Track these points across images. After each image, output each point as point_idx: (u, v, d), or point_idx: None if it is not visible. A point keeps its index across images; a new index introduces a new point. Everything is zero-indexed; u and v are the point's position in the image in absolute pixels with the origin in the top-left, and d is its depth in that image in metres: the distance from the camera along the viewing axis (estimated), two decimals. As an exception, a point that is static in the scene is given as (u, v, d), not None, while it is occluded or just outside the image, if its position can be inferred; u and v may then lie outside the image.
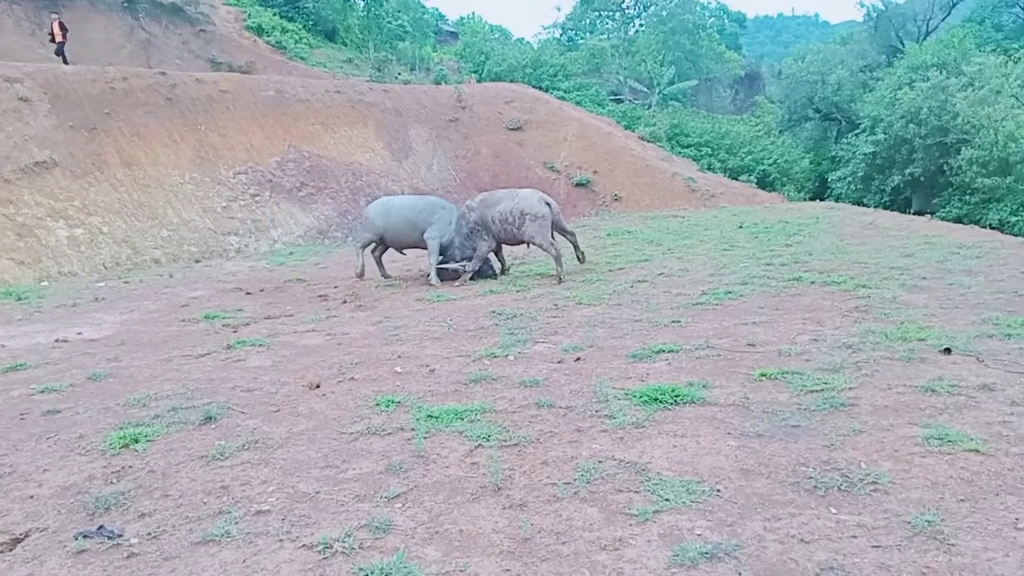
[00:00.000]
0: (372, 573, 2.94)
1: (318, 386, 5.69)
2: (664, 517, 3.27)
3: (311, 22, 33.50)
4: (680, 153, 26.13)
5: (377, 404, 5.05)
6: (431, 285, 10.23)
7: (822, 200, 25.99)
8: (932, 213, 22.62)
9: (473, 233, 10.46)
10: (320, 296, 10.10)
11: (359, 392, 5.43)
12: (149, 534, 3.40)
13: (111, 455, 4.34)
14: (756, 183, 25.68)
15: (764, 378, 5.03)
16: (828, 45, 36.76)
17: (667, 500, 3.41)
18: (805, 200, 26.27)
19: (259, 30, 30.65)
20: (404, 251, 11.66)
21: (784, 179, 28.98)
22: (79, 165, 15.18)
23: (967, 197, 23.73)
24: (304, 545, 3.21)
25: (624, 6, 39.70)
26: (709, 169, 25.32)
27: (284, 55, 30.00)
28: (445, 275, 10.48)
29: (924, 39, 34.48)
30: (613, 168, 22.53)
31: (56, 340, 7.82)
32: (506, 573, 2.94)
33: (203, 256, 15.04)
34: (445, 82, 29.87)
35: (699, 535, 3.12)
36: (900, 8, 36.95)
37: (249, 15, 31.32)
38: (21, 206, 13.92)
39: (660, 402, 4.64)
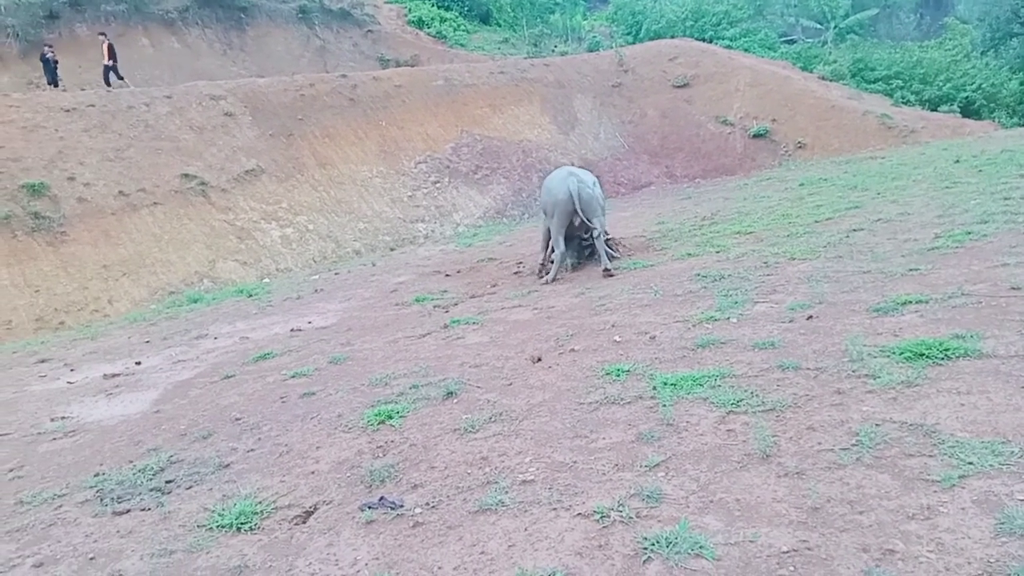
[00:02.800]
0: (657, 543, 2.89)
1: (540, 359, 5.75)
2: (973, 482, 2.94)
3: (466, 8, 34.18)
4: (867, 89, 23.77)
5: (607, 373, 5.01)
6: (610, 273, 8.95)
7: (1044, 123, 22.70)
8: None
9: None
10: (515, 273, 10.29)
11: (584, 363, 5.43)
12: (427, 504, 3.58)
13: (372, 431, 4.64)
14: (960, 112, 22.87)
15: (1047, 325, 4.40)
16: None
17: (971, 464, 3.06)
18: (1021, 125, 23.04)
19: (420, 23, 31.76)
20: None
21: (992, 105, 25.49)
22: (281, 169, 16.55)
23: None
24: (579, 514, 3.22)
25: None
26: (904, 103, 22.87)
27: (445, 44, 30.89)
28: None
29: None
30: (794, 114, 21.01)
31: (291, 329, 8.57)
32: (803, 544, 2.77)
33: (396, 244, 15.90)
34: (599, 49, 29.30)
35: (1022, 500, 2.76)
36: None
37: (409, 10, 32.52)
38: (239, 212, 15.43)
39: (927, 357, 4.19)
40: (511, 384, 5.20)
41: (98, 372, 7.50)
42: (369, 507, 3.64)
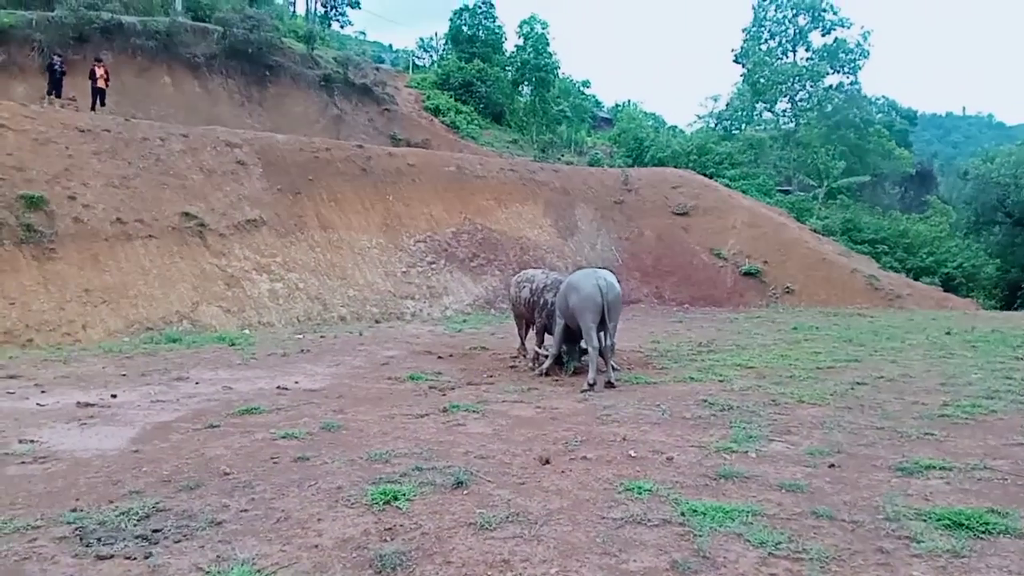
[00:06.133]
0: None
1: (548, 461, 5.51)
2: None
3: (482, 105, 35.40)
4: (855, 249, 24.76)
5: (627, 489, 4.78)
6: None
7: (1013, 310, 23.65)
8: None
9: None
10: (511, 366, 10.10)
11: (598, 473, 5.20)
12: (447, 604, 3.27)
13: (377, 510, 4.32)
14: (941, 286, 23.80)
15: (1084, 512, 4.31)
16: (1020, 147, 34.21)
17: (1042, 653, 2.88)
18: (995, 308, 23.99)
19: (436, 111, 32.75)
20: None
21: (970, 284, 26.68)
22: (283, 225, 16.45)
23: None
24: (622, 643, 2.95)
25: (798, 99, 39.16)
26: (890, 268, 23.76)
27: (457, 134, 31.76)
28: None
29: None
30: (785, 259, 21.65)
31: (278, 387, 8.21)
32: None
33: (383, 317, 15.67)
34: (600, 164, 30.39)
35: None
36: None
37: (428, 97, 33.61)
38: (232, 259, 15.17)
39: (968, 528, 4.06)
40: (524, 483, 4.94)
41: (71, 399, 7.05)
42: (381, 597, 3.32)
